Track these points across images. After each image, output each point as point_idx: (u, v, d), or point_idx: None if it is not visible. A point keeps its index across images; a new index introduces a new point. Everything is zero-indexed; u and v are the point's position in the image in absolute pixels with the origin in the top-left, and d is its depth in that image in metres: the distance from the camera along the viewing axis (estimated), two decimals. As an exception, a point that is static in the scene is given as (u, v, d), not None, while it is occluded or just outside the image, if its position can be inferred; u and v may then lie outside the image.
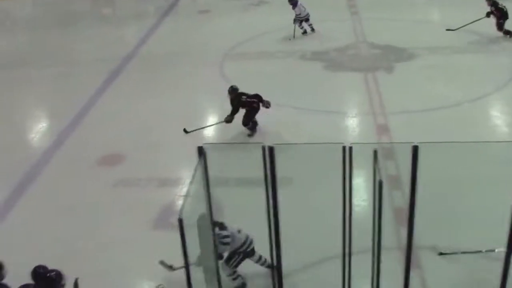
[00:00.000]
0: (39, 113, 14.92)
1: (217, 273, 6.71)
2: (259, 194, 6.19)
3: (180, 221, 5.23)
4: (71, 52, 18.71)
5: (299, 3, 18.20)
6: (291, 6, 18.28)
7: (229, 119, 12.08)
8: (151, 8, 23.55)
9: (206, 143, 6.01)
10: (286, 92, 14.15)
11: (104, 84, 15.56)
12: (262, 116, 12.35)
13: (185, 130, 12.32)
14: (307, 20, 18.45)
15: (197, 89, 14.90)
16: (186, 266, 5.50)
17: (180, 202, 9.80)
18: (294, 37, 18.20)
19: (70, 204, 10.31)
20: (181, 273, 5.51)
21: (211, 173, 5.97)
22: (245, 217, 8.08)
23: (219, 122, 12.32)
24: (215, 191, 6.31)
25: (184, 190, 10.13)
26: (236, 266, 7.78)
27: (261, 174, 5.98)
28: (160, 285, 7.73)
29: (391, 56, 16.52)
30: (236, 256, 7.74)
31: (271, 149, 5.78)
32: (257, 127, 12.39)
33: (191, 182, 5.54)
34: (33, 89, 15.96)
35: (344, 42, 17.76)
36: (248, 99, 12.21)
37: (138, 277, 8.42)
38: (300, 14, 18.23)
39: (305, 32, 18.58)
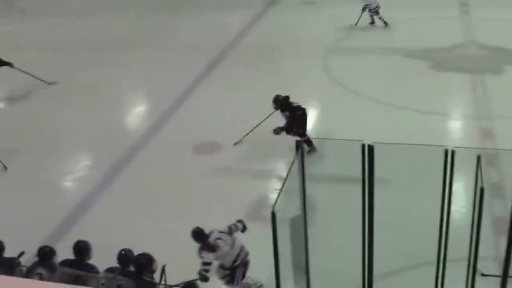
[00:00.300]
0: (139, 96, 15.41)
1: (306, 272, 6.73)
2: (354, 193, 6.15)
3: (273, 215, 5.22)
4: (173, 37, 19.15)
5: None
6: None
7: (278, 131, 11.06)
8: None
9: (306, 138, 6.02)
10: (387, 89, 13.96)
11: (204, 72, 15.85)
12: (361, 114, 12.23)
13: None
14: (377, 12, 18.46)
15: (298, 83, 14.84)
16: (276, 261, 5.52)
17: (273, 195, 9.86)
18: (356, 24, 18.55)
19: (162, 190, 10.63)
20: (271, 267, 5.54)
21: (307, 168, 5.99)
22: (338, 215, 8.06)
23: (257, 124, 11.81)
24: (310, 187, 6.32)
25: (278, 184, 10.20)
26: (243, 278, 7.74)
27: (357, 172, 5.94)
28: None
29: (501, 58, 15.97)
30: (238, 270, 7.69)
31: (371, 148, 5.72)
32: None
33: (286, 176, 5.57)
34: (134, 72, 16.49)
35: (452, 41, 17.31)
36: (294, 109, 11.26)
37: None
38: (370, 5, 18.43)
39: (372, 22, 18.74)
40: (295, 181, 6.01)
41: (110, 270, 6.92)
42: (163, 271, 6.91)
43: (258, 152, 11.69)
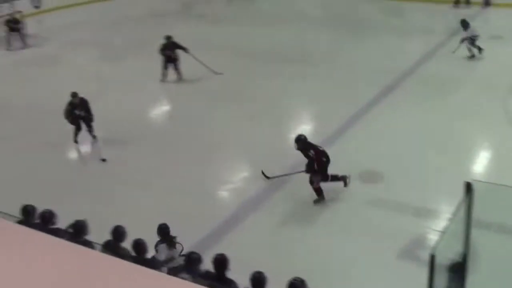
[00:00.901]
0: (305, 115, 15.53)
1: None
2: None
3: (432, 257, 5.05)
4: (350, 57, 19.16)
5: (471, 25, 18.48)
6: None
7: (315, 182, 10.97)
8: (439, 25, 23.20)
9: (475, 180, 5.74)
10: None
11: (376, 97, 15.68)
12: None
13: (264, 174, 11.80)
14: (473, 41, 18.35)
15: (472, 118, 14.28)
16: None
17: (434, 237, 9.51)
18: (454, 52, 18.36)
19: (317, 211, 10.62)
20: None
21: (474, 212, 5.72)
22: (505, 270, 7.59)
23: (298, 172, 11.26)
24: (474, 233, 6.03)
25: (441, 225, 9.82)
26: None
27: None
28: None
29: None
30: None
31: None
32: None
33: (451, 219, 5.33)
34: (303, 88, 16.70)
35: None
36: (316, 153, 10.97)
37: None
38: (471, 34, 18.43)
39: (472, 56, 18.49)
40: (458, 225, 5.75)
41: None
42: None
43: (421, 187, 11.34)
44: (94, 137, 13.92)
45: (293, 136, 13.98)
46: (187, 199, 11.29)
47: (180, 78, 17.80)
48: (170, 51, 17.54)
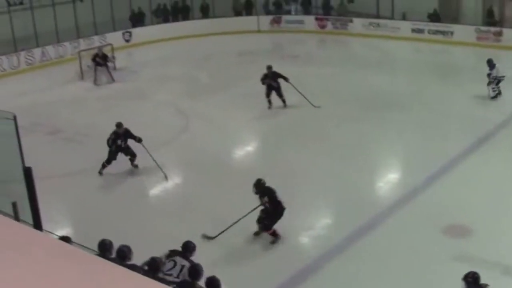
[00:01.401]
0: (393, 162, 15.37)
1: None
2: None
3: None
4: (444, 102, 18.88)
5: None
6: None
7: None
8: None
9: None
10: None
11: (472, 146, 15.34)
12: None
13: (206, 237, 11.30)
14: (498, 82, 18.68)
15: None
16: None
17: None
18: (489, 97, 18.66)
19: (399, 261, 10.48)
20: None
21: None
22: None
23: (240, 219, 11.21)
24: None
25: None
26: None
27: None
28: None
29: None
30: None
31: None
32: None
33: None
34: (397, 133, 16.60)
35: None
36: (275, 200, 11.27)
37: None
38: (497, 75, 18.71)
39: (496, 96, 18.82)
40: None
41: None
42: None
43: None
44: (135, 166, 14.77)
45: (380, 184, 13.99)
46: (266, 242, 11.34)
47: (285, 106, 18.89)
48: (271, 80, 18.66)
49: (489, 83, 18.74)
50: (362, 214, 12.08)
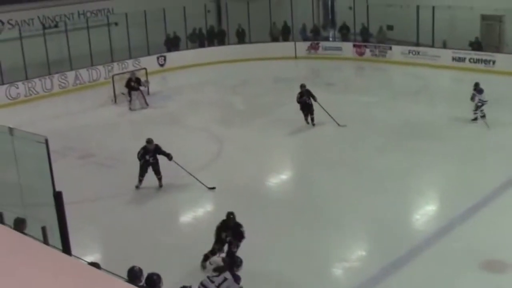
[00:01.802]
0: (431, 194, 15.26)
1: None
2: None
3: None
4: (484, 133, 18.68)
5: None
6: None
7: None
8: None
9: None
10: None
11: (504, 184, 15.09)
12: None
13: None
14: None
15: None
16: None
17: None
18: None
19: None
20: None
21: None
22: None
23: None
24: None
25: None
26: None
27: None
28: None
29: None
30: None
31: None
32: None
33: None
34: (432, 166, 16.43)
35: None
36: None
37: None
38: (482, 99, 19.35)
39: (476, 119, 19.55)
40: None
41: None
42: None
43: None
44: (160, 185, 15.46)
45: (417, 216, 13.89)
46: (298, 270, 11.33)
47: (313, 125, 19.80)
48: (306, 98, 19.60)
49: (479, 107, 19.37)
50: (398, 247, 12.01)
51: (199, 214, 14.30)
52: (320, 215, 13.54)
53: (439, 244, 12.29)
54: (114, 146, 18.92)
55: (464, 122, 19.74)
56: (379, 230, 12.91)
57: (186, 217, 14.30)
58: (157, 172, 15.24)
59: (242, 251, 11.53)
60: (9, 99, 24.66)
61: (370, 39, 31.04)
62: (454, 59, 27.71)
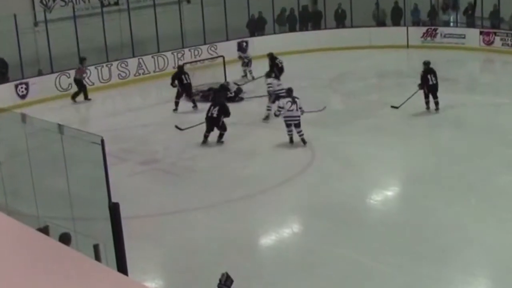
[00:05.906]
0: None
1: None
2: None
3: None
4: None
5: None
6: None
7: None
8: None
9: None
10: None
11: None
12: None
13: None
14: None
15: None
16: None
17: None
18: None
19: None
20: None
21: None
22: None
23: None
24: None
25: None
26: None
27: None
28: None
29: None
30: None
31: None
32: None
33: None
34: None
35: None
36: None
37: None
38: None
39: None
40: None
41: None
42: None
43: None
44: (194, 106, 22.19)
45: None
46: None
47: (437, 109, 20.94)
48: (432, 76, 20.89)
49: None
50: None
51: (285, 236, 14.27)
52: (433, 245, 13.25)
53: None
54: (182, 151, 19.07)
55: None
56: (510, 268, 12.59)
57: (270, 240, 14.23)
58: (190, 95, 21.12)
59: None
60: (59, 90, 25.19)
61: (501, 25, 30.36)
62: None
